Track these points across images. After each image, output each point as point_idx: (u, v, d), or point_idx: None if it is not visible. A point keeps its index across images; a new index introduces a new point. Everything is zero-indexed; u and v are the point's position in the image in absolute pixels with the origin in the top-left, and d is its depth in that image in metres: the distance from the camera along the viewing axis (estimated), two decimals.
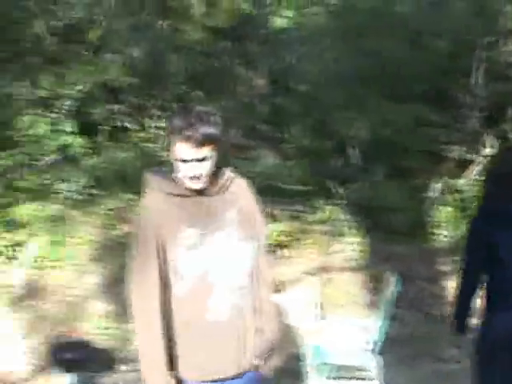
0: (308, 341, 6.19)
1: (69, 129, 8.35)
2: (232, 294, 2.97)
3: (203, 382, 2.98)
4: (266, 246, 3.27)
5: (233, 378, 3.00)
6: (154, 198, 3.00)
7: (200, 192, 2.97)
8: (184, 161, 2.85)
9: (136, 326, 3.00)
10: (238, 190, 3.12)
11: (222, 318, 2.95)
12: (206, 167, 2.88)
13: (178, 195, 2.96)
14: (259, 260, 3.12)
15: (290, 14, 8.57)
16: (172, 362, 2.95)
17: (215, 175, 3.00)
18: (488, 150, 9.65)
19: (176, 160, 2.89)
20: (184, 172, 2.89)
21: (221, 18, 8.53)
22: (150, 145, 8.68)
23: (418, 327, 7.12)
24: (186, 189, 2.96)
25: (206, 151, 2.85)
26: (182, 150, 2.83)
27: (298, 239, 7.90)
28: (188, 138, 2.80)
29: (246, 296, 3.03)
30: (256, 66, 8.99)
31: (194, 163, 2.84)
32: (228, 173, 3.11)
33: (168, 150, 2.97)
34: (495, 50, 9.66)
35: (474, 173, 9.57)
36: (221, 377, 2.98)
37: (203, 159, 2.85)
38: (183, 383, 2.99)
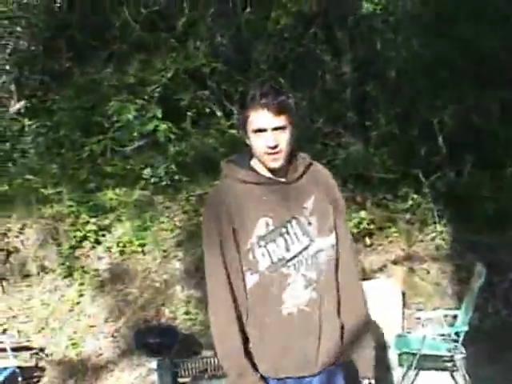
0: (391, 330, 6.21)
1: (156, 115, 8.48)
2: (309, 287, 2.82)
3: (278, 379, 2.83)
4: (349, 237, 3.09)
5: (311, 375, 2.84)
6: (225, 186, 2.89)
7: (276, 180, 2.85)
8: (261, 130, 2.74)
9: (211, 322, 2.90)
10: (317, 177, 2.97)
11: (297, 312, 2.81)
12: (284, 138, 2.77)
13: (252, 183, 2.85)
14: (342, 252, 2.95)
15: None
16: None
17: (291, 161, 2.88)
18: None
19: (253, 131, 2.77)
20: (261, 143, 2.77)
21: (307, 4, 8.51)
22: (235, 131, 8.74)
23: (503, 318, 7.03)
24: (262, 176, 2.85)
25: (284, 119, 2.75)
26: (260, 118, 2.73)
27: (382, 228, 7.86)
28: (265, 105, 2.71)
29: (327, 290, 2.87)
30: (343, 52, 8.93)
31: (272, 132, 2.73)
32: (306, 159, 2.97)
33: (241, 125, 2.86)
34: None
35: None
36: (297, 375, 2.83)
37: (281, 128, 2.75)
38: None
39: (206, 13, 9.08)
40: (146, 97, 8.59)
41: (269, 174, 2.85)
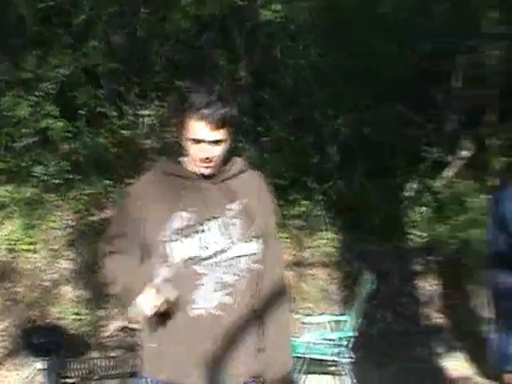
0: None
1: (50, 112, 8.30)
2: (223, 291, 2.71)
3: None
4: (279, 248, 3.05)
5: None
6: (149, 178, 2.87)
7: (205, 177, 2.78)
8: (198, 141, 2.68)
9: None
10: (249, 182, 2.89)
11: (207, 314, 2.69)
12: (219, 150, 2.72)
13: (176, 175, 2.80)
14: (269, 262, 2.84)
15: (278, 7, 8.61)
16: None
17: (225, 163, 2.83)
18: (464, 153, 9.88)
19: (188, 139, 2.72)
20: (196, 153, 2.72)
21: (208, 8, 8.54)
22: (128, 132, 8.68)
23: (390, 325, 7.28)
24: (188, 170, 2.80)
25: (223, 133, 2.69)
26: (198, 129, 2.66)
27: None
28: (206, 117, 2.63)
29: (244, 297, 2.76)
30: (240, 58, 9.02)
31: (208, 144, 2.68)
32: (239, 162, 2.91)
33: (177, 128, 2.79)
34: (475, 54, 9.87)
35: (451, 174, 9.79)
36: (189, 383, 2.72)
37: (219, 141, 2.69)
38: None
39: (104, 11, 8.93)
40: (41, 93, 8.38)
41: (196, 169, 2.78)
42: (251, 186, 2.89)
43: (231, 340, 2.72)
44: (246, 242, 2.77)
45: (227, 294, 2.71)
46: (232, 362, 2.73)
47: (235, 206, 2.78)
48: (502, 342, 5.69)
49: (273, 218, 2.95)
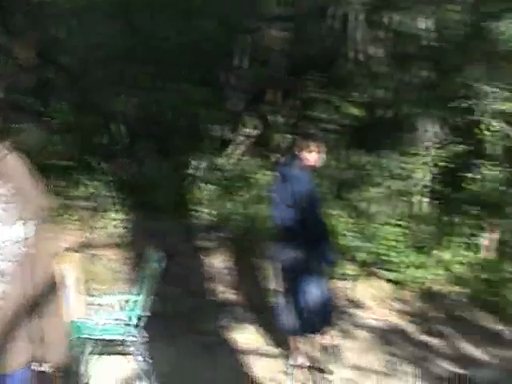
0: (69, 316, 6.24)
1: None
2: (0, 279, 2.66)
3: None
4: (44, 231, 2.93)
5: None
6: None
7: None
8: None
9: None
10: (14, 165, 2.82)
11: None
12: None
13: None
14: (37, 246, 2.81)
15: None
16: None
17: None
18: (249, 131, 10.20)
19: None
20: None
21: None
22: None
23: (180, 302, 7.39)
24: None
25: None
26: None
27: (60, 215, 7.83)
28: None
29: (19, 285, 2.73)
30: (21, 37, 8.70)
31: None
32: (2, 146, 2.83)
33: None
34: (258, 34, 10.20)
35: (236, 152, 10.08)
36: None
37: None
38: None
39: None
40: None
41: None
42: (16, 170, 2.81)
43: (8, 328, 2.68)
44: (8, 226, 2.70)
45: (5, 283, 2.67)
46: (10, 349, 2.69)
47: (2, 191, 2.71)
48: (287, 311, 6.09)
49: (41, 200, 2.90)
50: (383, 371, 6.41)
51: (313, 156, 6.15)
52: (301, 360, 6.22)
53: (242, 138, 10.17)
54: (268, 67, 10.39)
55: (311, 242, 5.92)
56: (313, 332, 6.29)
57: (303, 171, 6.03)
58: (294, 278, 6.04)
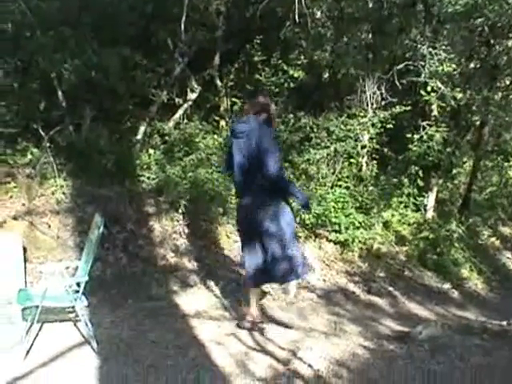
0: (14, 285, 6.17)
1: None
2: None
3: None
4: None
5: None
6: None
7: None
8: None
9: None
10: None
11: None
12: None
13: None
14: None
15: None
16: None
17: None
18: (193, 95, 10.13)
19: None
20: None
21: None
22: None
23: (125, 268, 7.36)
24: None
25: None
26: None
27: (2, 183, 7.69)
28: None
29: None
30: None
31: None
32: None
33: None
34: None
35: (179, 116, 10.02)
36: None
37: None
38: None
39: None
40: None
41: None
42: None
43: None
44: None
45: None
46: None
47: None
48: (250, 261, 6.15)
49: None
50: (328, 331, 6.49)
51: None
52: (249, 321, 6.27)
53: (185, 103, 10.10)
54: (209, 30, 10.31)
55: (277, 191, 6.05)
56: (276, 281, 6.38)
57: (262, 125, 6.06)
58: (249, 231, 6.13)
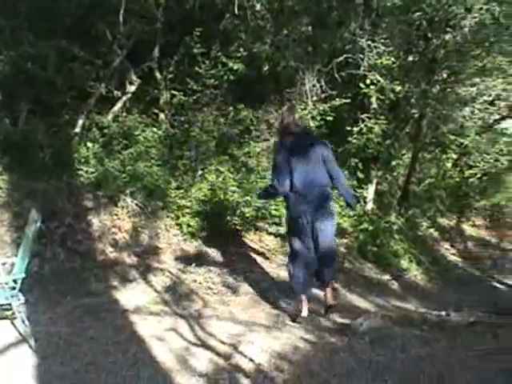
0: None
1: None
2: None
3: None
4: None
5: None
6: None
7: None
8: None
9: None
10: None
11: None
12: None
13: None
14: None
15: None
16: None
17: None
18: (132, 88, 10.04)
19: None
20: None
21: None
22: None
23: (63, 263, 7.27)
24: None
25: None
26: None
27: None
28: None
29: None
30: None
31: None
32: None
33: None
34: None
35: (118, 109, 9.91)
36: None
37: None
38: None
39: None
40: None
41: None
42: None
43: None
44: None
45: None
46: None
47: None
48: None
49: None
50: (269, 325, 6.51)
51: None
52: None
53: (123, 96, 10.00)
54: (149, 22, 10.22)
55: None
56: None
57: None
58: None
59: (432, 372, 5.33)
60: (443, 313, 7.03)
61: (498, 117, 12.71)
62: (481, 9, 9.93)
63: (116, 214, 8.20)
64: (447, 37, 10.75)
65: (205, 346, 5.74)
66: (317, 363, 5.51)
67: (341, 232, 9.98)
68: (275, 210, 9.18)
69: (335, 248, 7.18)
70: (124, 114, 9.92)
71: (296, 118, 7.21)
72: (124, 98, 9.99)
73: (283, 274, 8.39)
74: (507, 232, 12.46)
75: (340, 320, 6.93)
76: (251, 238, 9.04)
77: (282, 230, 9.16)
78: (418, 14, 10.28)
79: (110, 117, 9.74)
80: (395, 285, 9.20)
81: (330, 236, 6.61)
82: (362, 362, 5.53)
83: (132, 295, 7.00)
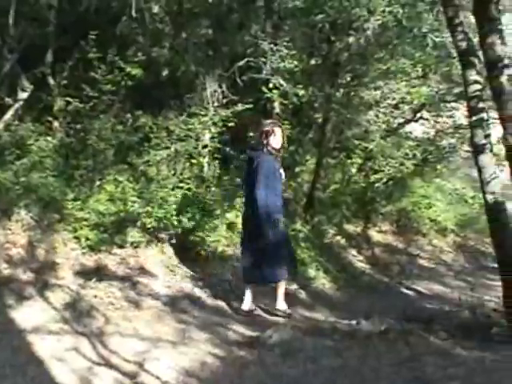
0: None
1: None
2: None
3: None
4: None
5: None
6: None
7: None
8: None
9: None
10: None
11: None
12: None
13: None
14: None
15: None
16: None
17: None
18: (24, 95, 9.87)
19: None
20: None
21: None
22: None
23: None
24: None
25: None
26: None
27: None
28: None
29: None
30: None
31: None
32: None
33: None
34: None
35: (9, 117, 9.73)
36: None
37: None
38: None
39: None
40: None
41: None
42: None
43: None
44: None
45: None
46: None
47: None
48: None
49: None
50: (175, 340, 6.54)
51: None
52: None
53: (15, 103, 9.83)
54: (41, 25, 10.08)
55: None
56: None
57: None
58: None
59: (344, 383, 5.47)
60: (354, 322, 7.21)
61: (402, 120, 13.07)
62: (383, 11, 10.24)
63: (10, 229, 8.07)
64: (350, 39, 11.01)
65: (108, 364, 5.73)
66: (227, 379, 5.60)
67: None
68: (177, 220, 9.19)
69: None
70: (16, 122, 9.75)
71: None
72: (16, 106, 9.82)
73: (188, 285, 8.44)
74: (414, 237, 12.81)
75: (249, 333, 7.02)
76: (153, 250, 9.03)
77: (190, 240, 9.20)
78: (320, 16, 10.50)
79: (0, 126, 9.56)
80: (303, 294, 9.35)
81: None
82: (273, 376, 5.64)
83: (29, 314, 6.90)
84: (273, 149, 8.06)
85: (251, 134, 10.65)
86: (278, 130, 8.16)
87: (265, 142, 8.03)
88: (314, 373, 5.69)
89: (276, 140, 8.10)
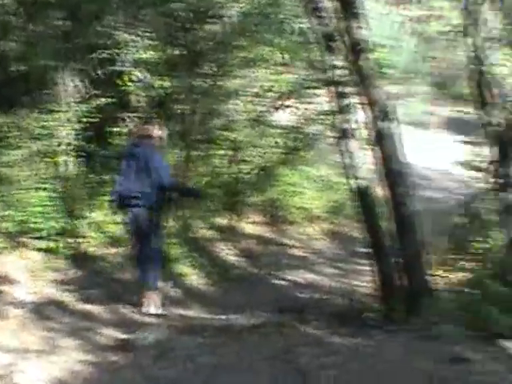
0: None
1: None
2: None
3: None
4: None
5: None
6: None
7: None
8: None
9: None
10: None
11: None
12: None
13: None
14: None
15: None
16: None
17: None
18: None
19: None
20: None
21: None
22: None
23: None
24: None
25: None
26: None
27: None
28: None
29: None
30: None
31: None
32: None
33: None
34: None
35: None
36: None
37: None
38: None
39: None
40: None
41: None
42: None
43: None
44: None
45: None
46: None
47: None
48: None
49: None
50: (43, 349, 6.29)
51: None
52: None
53: None
54: None
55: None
56: None
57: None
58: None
59: (221, 381, 5.40)
60: (227, 316, 7.19)
61: (266, 109, 13.08)
62: None
63: None
64: (210, 28, 10.93)
65: None
66: None
67: (115, 241, 9.85)
68: (39, 223, 8.91)
69: None
70: None
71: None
72: None
73: (52, 291, 8.20)
74: (285, 227, 12.87)
75: (121, 335, 6.84)
76: (15, 256, 8.71)
77: (47, 244, 8.95)
78: (179, 4, 10.37)
79: None
80: (176, 291, 9.22)
81: None
82: (149, 378, 5.52)
83: None
84: (152, 143, 8.21)
85: (111, 129, 10.44)
86: (154, 125, 8.52)
87: (145, 138, 8.23)
88: (192, 372, 5.61)
89: (155, 134, 8.32)
